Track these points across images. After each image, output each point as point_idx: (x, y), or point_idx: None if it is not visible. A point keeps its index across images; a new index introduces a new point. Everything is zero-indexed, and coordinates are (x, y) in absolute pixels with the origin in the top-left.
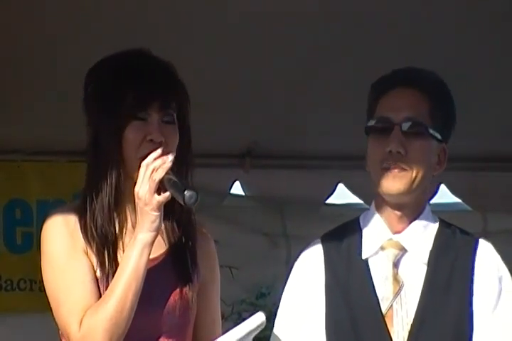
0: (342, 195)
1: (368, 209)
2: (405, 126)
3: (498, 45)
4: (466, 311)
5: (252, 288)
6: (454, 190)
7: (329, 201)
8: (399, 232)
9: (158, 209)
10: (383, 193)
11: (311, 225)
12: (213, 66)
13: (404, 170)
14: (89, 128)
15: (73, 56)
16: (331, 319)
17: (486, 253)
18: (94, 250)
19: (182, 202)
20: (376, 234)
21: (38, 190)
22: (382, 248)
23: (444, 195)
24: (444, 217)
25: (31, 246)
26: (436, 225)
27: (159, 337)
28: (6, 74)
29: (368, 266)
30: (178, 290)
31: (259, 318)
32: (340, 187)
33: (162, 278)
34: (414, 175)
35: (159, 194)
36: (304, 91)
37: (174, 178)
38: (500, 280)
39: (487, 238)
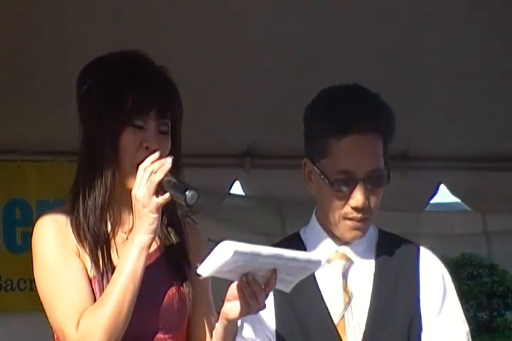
0: None
1: None
2: (369, 179)
3: (498, 45)
4: (414, 315)
5: None
6: (453, 190)
7: None
8: (344, 244)
9: (157, 211)
10: (342, 238)
11: None
12: (213, 66)
13: (367, 218)
14: (83, 127)
15: (73, 56)
16: (282, 334)
17: (429, 258)
18: (88, 250)
19: (183, 203)
20: (321, 248)
21: (38, 190)
22: (328, 260)
23: (444, 195)
24: (444, 217)
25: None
26: (377, 235)
27: (156, 333)
28: (6, 74)
29: (315, 279)
30: (174, 285)
31: (318, 257)
32: None
33: (157, 274)
34: (373, 217)
35: (157, 196)
36: (303, 91)
37: (174, 179)
38: (443, 278)
39: (487, 238)
